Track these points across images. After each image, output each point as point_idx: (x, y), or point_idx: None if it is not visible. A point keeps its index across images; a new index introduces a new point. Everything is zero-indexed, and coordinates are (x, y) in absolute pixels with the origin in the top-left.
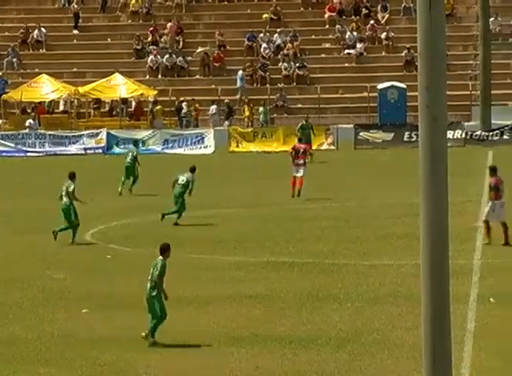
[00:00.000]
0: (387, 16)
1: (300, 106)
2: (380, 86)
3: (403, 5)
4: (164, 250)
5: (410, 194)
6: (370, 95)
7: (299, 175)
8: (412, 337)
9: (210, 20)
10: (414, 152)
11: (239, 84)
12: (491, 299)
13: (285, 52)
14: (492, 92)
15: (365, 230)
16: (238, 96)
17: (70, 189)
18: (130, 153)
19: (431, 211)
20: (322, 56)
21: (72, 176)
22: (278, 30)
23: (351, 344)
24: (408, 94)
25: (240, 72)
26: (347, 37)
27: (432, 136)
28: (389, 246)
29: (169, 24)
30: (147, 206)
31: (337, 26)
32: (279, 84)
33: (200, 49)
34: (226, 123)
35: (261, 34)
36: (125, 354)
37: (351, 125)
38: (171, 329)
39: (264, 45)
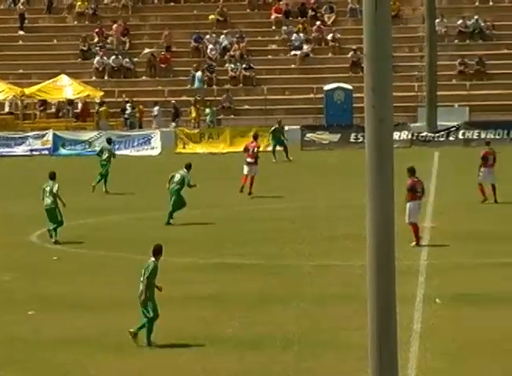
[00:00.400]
0: (333, 17)
1: (246, 107)
2: (327, 87)
3: (349, 6)
4: (157, 251)
5: (357, 195)
6: (317, 96)
7: (245, 172)
8: (358, 337)
9: (157, 21)
10: (361, 153)
11: (196, 85)
12: (437, 300)
13: (231, 53)
14: (438, 93)
15: (312, 231)
16: (197, 97)
17: (55, 190)
18: (105, 151)
19: (378, 212)
20: (269, 57)
21: (52, 176)
22: (224, 31)
23: (297, 345)
24: (354, 95)
25: (199, 73)
26: (293, 38)
27: (378, 137)
28: (336, 247)
29: (115, 25)
30: (95, 207)
31: (284, 27)
32: (225, 86)
33: (146, 50)
34: (173, 124)
35: (208, 35)
36: (75, 355)
37: (298, 127)
38: (122, 329)
39: (210, 46)
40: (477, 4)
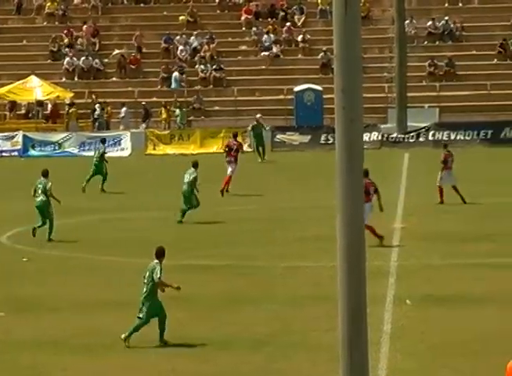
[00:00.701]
0: (303, 18)
1: (217, 108)
2: (297, 88)
3: (319, 7)
4: (161, 254)
5: (327, 196)
6: (287, 97)
7: (228, 172)
8: (329, 338)
9: (127, 22)
10: (331, 154)
11: (173, 85)
12: (407, 301)
13: (202, 54)
14: (408, 94)
15: (283, 232)
16: (176, 99)
17: (48, 187)
18: (97, 152)
19: (348, 213)
20: (239, 58)
21: (45, 174)
22: (194, 32)
23: (268, 346)
24: (324, 96)
25: (176, 74)
26: (263, 39)
27: (349, 138)
28: (307, 248)
29: (85, 26)
30: (65, 209)
31: (254, 28)
32: (195, 87)
33: (116, 51)
34: (143, 125)
35: (178, 37)
36: (42, 357)
37: (268, 128)
38: (91, 331)
39: (180, 47)
40: (446, 5)
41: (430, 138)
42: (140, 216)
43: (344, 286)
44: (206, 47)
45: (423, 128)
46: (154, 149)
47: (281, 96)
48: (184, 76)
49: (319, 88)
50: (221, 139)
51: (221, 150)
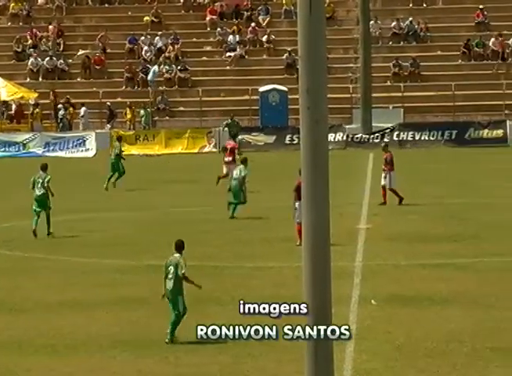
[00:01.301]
0: (268, 19)
1: (182, 108)
2: (262, 89)
3: (284, 8)
4: (181, 247)
5: (292, 197)
6: (252, 97)
7: (224, 172)
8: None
9: (91, 23)
10: (296, 154)
11: (150, 77)
12: (372, 301)
13: (166, 54)
14: (373, 94)
15: (248, 233)
16: (150, 95)
17: (47, 180)
18: (114, 150)
19: (313, 214)
20: (204, 58)
21: (44, 168)
22: (159, 32)
23: (234, 346)
24: (289, 97)
25: (155, 67)
26: (228, 40)
27: (314, 139)
28: (272, 248)
29: (50, 27)
30: (25, 210)
31: (218, 29)
32: (160, 87)
33: (80, 52)
34: (108, 126)
35: (143, 37)
36: (6, 358)
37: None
38: (56, 331)
39: (145, 47)
40: (410, 6)
41: (395, 138)
42: (104, 217)
43: (309, 286)
44: (170, 47)
45: (388, 128)
46: None
47: (246, 97)
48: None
49: (283, 88)
50: (186, 139)
51: (185, 151)
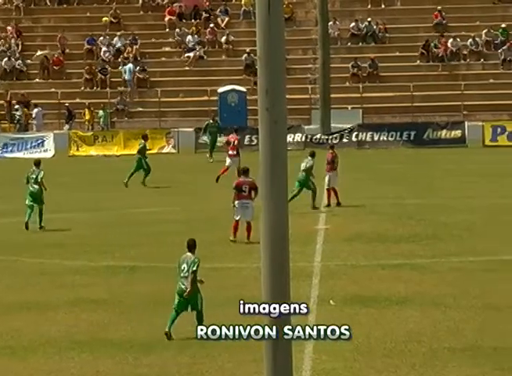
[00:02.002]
0: (226, 19)
1: (140, 109)
2: (221, 90)
3: (243, 8)
4: (193, 246)
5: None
6: (211, 98)
7: (227, 164)
8: (253, 340)
9: (50, 23)
10: (255, 155)
11: (127, 77)
12: (331, 301)
13: (125, 55)
14: (332, 95)
15: (206, 234)
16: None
17: (41, 176)
18: (140, 148)
19: (272, 214)
20: (163, 59)
21: (38, 163)
22: (118, 33)
23: (192, 347)
24: (248, 98)
25: (130, 65)
26: (187, 40)
27: (272, 139)
28: (231, 249)
29: (8, 27)
30: None
31: (177, 29)
32: (119, 88)
33: (39, 52)
34: (66, 127)
35: (101, 38)
36: None
37: (192, 129)
38: (13, 333)
39: (104, 48)
40: (369, 7)
41: (354, 139)
42: (63, 217)
43: (268, 286)
44: (129, 48)
45: (347, 129)
46: (78, 150)
47: (205, 98)
48: (107, 77)
49: (242, 89)
50: None
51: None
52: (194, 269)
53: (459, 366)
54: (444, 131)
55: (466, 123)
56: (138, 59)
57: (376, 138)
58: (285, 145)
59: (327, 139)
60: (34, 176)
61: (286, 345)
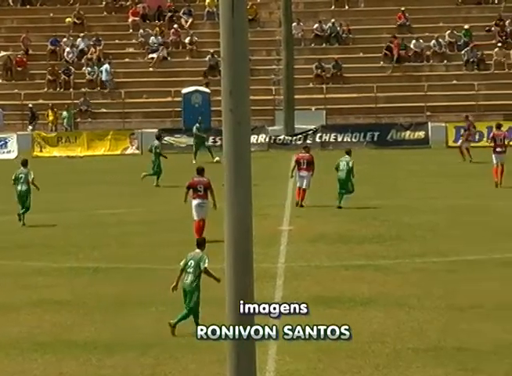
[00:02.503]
0: (190, 20)
1: (104, 110)
2: (184, 91)
3: (206, 9)
4: (202, 243)
5: (217, 198)
6: (174, 99)
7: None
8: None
9: (13, 24)
10: (219, 156)
11: (104, 78)
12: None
13: (89, 56)
14: (296, 96)
15: (169, 235)
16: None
17: (31, 177)
18: (153, 148)
19: (236, 215)
20: (126, 60)
21: (25, 163)
22: (81, 34)
23: (155, 348)
24: (212, 99)
25: (107, 66)
26: (150, 41)
27: (236, 140)
28: (193, 250)
29: None
30: None
31: (141, 30)
32: (82, 89)
33: (2, 53)
34: (30, 128)
35: (65, 39)
36: None
37: (156, 130)
38: None
39: (67, 49)
40: (333, 8)
41: (318, 140)
42: (26, 218)
43: (232, 288)
44: (93, 49)
45: (311, 130)
46: (41, 151)
47: (169, 99)
48: (71, 78)
49: (206, 90)
50: (109, 141)
51: (108, 153)
52: (205, 266)
53: (423, 366)
54: (407, 132)
55: (429, 124)
56: (102, 60)
57: (339, 139)
58: (249, 146)
59: (291, 140)
60: (23, 176)
61: (249, 346)
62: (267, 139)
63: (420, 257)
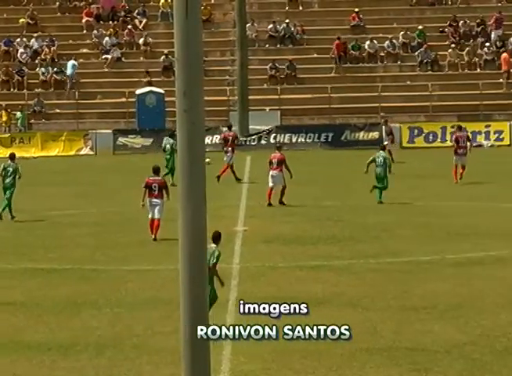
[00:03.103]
0: (144, 21)
1: (58, 111)
2: (139, 91)
3: (161, 10)
4: (217, 238)
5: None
6: (129, 100)
7: (226, 160)
8: (171, 341)
9: None
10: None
11: (69, 72)
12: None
13: (42, 56)
14: (250, 97)
15: (124, 236)
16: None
17: (19, 171)
18: (168, 146)
19: (190, 215)
20: (81, 60)
21: (13, 157)
22: (35, 35)
23: (110, 349)
24: (166, 99)
25: (73, 61)
26: (104, 42)
27: (190, 141)
28: (149, 251)
29: None
30: None
31: (95, 31)
32: (36, 90)
33: None
34: None
35: (18, 39)
36: None
37: (110, 130)
38: None
39: (21, 49)
40: (287, 9)
41: (272, 141)
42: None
43: (186, 288)
44: (47, 50)
45: (265, 131)
46: None
47: (123, 99)
48: (24, 78)
49: (160, 91)
50: (63, 142)
51: (62, 154)
52: (214, 261)
53: (377, 367)
54: (361, 133)
55: (383, 125)
56: (56, 60)
57: (294, 139)
58: (203, 146)
59: (245, 141)
60: (10, 169)
61: (204, 347)
62: (221, 140)
63: (373, 257)
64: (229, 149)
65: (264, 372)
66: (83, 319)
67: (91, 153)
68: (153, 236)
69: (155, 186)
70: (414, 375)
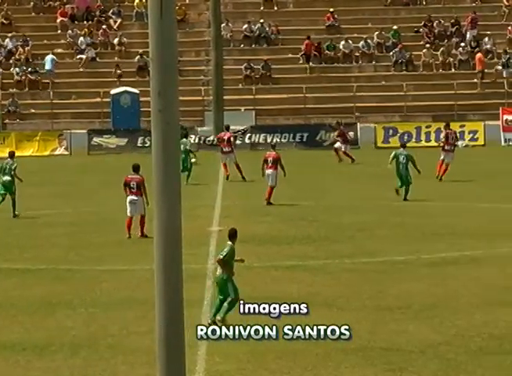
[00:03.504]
0: (119, 21)
1: (33, 111)
2: (113, 91)
3: (135, 10)
4: (233, 235)
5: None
6: (103, 100)
7: (223, 161)
8: (147, 341)
9: None
10: (148, 157)
11: (48, 67)
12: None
13: (17, 56)
14: (225, 97)
15: (99, 236)
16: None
17: (14, 167)
18: (182, 146)
19: (165, 215)
20: (55, 60)
21: (12, 155)
22: (9, 34)
23: (85, 350)
24: (141, 99)
25: (51, 56)
26: (79, 42)
27: (165, 141)
28: (124, 251)
29: None
30: None
31: (69, 31)
32: (11, 90)
33: None
34: None
35: None
36: None
37: (85, 131)
38: None
39: None
40: (262, 9)
41: (247, 141)
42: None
43: (161, 288)
44: (21, 49)
45: (240, 131)
46: None
47: (97, 99)
48: None
49: (135, 91)
50: (37, 142)
51: (36, 154)
52: (221, 257)
53: (352, 367)
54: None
55: (358, 125)
56: (30, 60)
57: (269, 139)
58: (178, 146)
59: None
60: (8, 167)
61: (179, 347)
62: (196, 140)
63: (349, 257)
64: (229, 149)
65: (239, 372)
66: (58, 319)
67: (66, 153)
68: (129, 235)
69: (133, 184)
70: (389, 375)
